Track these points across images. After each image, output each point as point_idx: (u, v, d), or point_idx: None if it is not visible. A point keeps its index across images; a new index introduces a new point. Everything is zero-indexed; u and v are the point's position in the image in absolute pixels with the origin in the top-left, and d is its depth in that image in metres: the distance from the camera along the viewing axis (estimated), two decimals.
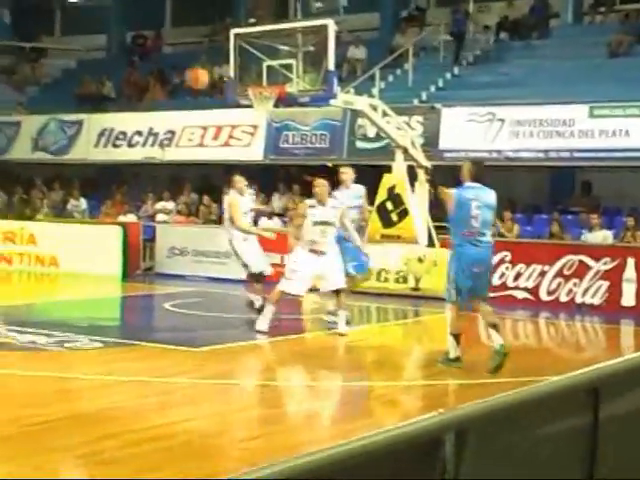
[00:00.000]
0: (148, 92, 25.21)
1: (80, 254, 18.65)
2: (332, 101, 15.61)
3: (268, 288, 12.71)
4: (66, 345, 10.47)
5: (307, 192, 19.73)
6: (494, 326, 9.45)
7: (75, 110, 24.17)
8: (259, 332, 11.69)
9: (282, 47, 15.70)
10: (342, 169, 13.68)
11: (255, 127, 20.38)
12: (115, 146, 22.61)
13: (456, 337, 9.61)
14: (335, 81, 15.34)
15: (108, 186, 22.82)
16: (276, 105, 15.80)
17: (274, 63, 15.31)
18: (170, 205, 21.17)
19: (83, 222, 20.71)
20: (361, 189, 13.44)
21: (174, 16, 29.20)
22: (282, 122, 20.08)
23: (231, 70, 15.93)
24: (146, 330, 12.85)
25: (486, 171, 10.16)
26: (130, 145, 22.32)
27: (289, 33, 15.70)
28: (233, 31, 16.00)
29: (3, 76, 28.43)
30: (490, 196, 9.68)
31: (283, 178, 20.51)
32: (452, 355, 9.59)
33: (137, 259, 19.40)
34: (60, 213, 22.25)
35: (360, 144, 19.30)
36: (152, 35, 28.29)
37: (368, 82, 20.23)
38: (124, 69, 26.30)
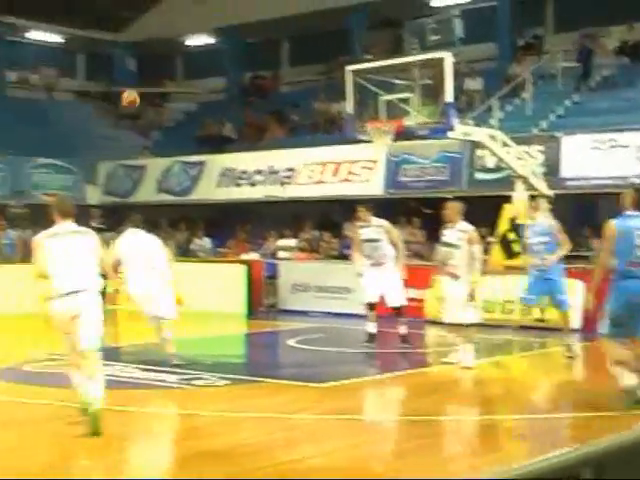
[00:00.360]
0: (267, 131, 25.61)
1: (205, 292, 18.98)
2: (450, 133, 15.57)
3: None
4: (193, 383, 10.63)
5: (427, 225, 19.72)
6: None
7: (197, 152, 24.73)
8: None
9: (398, 81, 15.75)
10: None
11: (374, 162, 20.46)
12: (237, 185, 23.00)
13: (622, 364, 8.96)
14: (453, 113, 15.30)
15: (231, 225, 23.20)
16: (394, 139, 15.83)
17: (391, 97, 15.36)
18: (292, 242, 21.38)
19: (208, 261, 21.09)
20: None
21: (291, 56, 29.63)
22: (401, 156, 20.10)
23: (349, 106, 16.05)
24: (271, 367, 12.96)
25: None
26: (251, 184, 22.67)
27: (405, 67, 15.73)
28: (349, 68, 16.13)
29: (129, 121, 29.32)
30: None
31: (403, 212, 20.45)
32: (625, 383, 8.98)
33: (260, 296, 19.63)
34: (184, 253, 22.70)
35: (480, 175, 19.16)
36: (269, 75, 28.76)
37: (486, 113, 20.11)
38: (243, 110, 26.79)
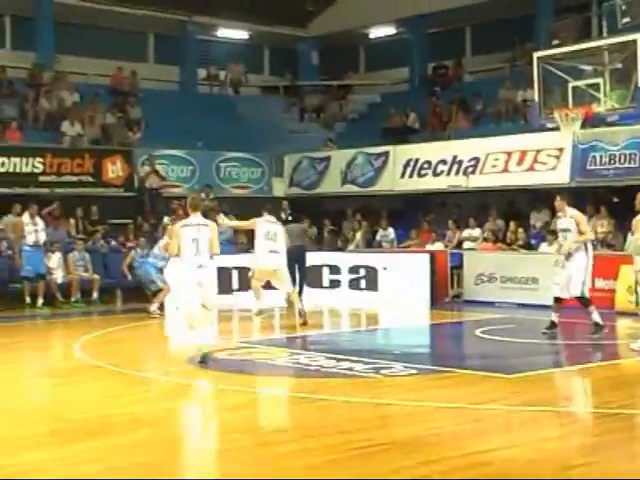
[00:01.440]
0: (451, 121, 25.46)
1: (390, 283, 19.11)
2: None
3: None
4: (382, 372, 10.72)
5: (616, 214, 19.14)
6: None
7: (381, 143, 24.85)
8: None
9: (587, 67, 15.39)
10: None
11: (561, 150, 19.99)
12: (420, 176, 22.99)
13: None
14: None
15: (415, 215, 23.22)
16: (582, 126, 15.48)
17: (579, 83, 15.05)
18: (476, 232, 21.20)
19: (393, 251, 21.20)
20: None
21: (474, 44, 29.31)
22: (589, 143, 19.55)
23: (535, 94, 15.81)
24: (458, 357, 12.94)
25: None
26: (435, 174, 22.60)
27: (594, 52, 15.35)
28: (536, 54, 15.89)
29: (313, 114, 29.76)
30: None
31: (591, 200, 19.93)
32: None
33: (445, 287, 19.58)
34: (369, 243, 22.89)
35: None
36: (453, 64, 28.55)
37: None
38: (427, 100, 26.72)
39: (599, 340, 13.01)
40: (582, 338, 13.38)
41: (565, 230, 13.44)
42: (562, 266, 13.42)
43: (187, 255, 11.33)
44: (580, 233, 13.35)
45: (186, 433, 8.56)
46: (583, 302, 13.37)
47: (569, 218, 13.42)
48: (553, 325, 13.62)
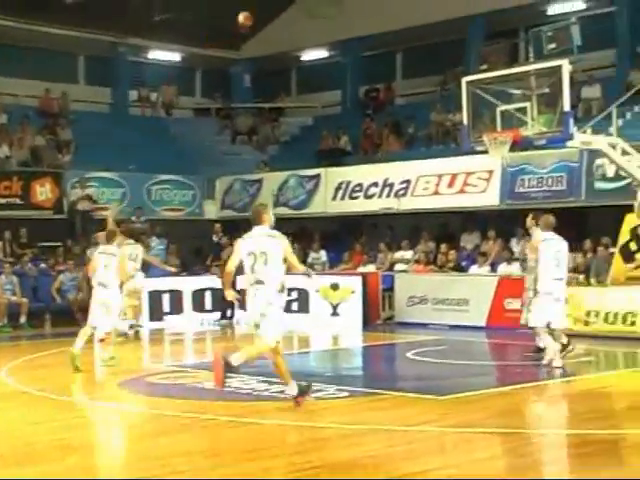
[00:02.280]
0: (383, 144, 25.63)
1: (323, 305, 19.12)
2: (569, 142, 15.34)
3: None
4: (313, 395, 10.63)
5: None
6: None
7: (313, 165, 24.90)
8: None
9: (515, 91, 15.59)
10: None
11: (490, 172, 20.27)
12: (352, 198, 23.07)
13: None
14: (571, 122, 15.06)
15: (347, 238, 23.28)
16: (511, 149, 15.67)
17: (508, 107, 15.22)
18: (408, 254, 21.33)
19: (324, 273, 21.17)
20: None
21: (405, 68, 29.57)
22: (518, 166, 19.87)
23: (465, 117, 15.96)
24: (390, 379, 12.93)
25: None
26: (367, 197, 22.71)
27: (522, 76, 15.57)
28: (465, 79, 16.04)
29: (246, 137, 29.72)
30: None
31: (521, 223, 20.17)
32: None
33: (377, 309, 19.64)
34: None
35: (599, 184, 18.78)
36: (384, 88, 28.77)
37: (605, 121, 19.64)
38: (359, 123, 26.87)
39: (534, 361, 13.03)
40: (513, 359, 13.47)
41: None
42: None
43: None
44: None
45: (117, 459, 8.40)
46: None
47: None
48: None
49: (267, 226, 10.21)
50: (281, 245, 10.03)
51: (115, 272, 13.09)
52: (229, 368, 9.68)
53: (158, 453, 8.26)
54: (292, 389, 10.00)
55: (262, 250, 9.87)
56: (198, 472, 7.55)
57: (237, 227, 24.04)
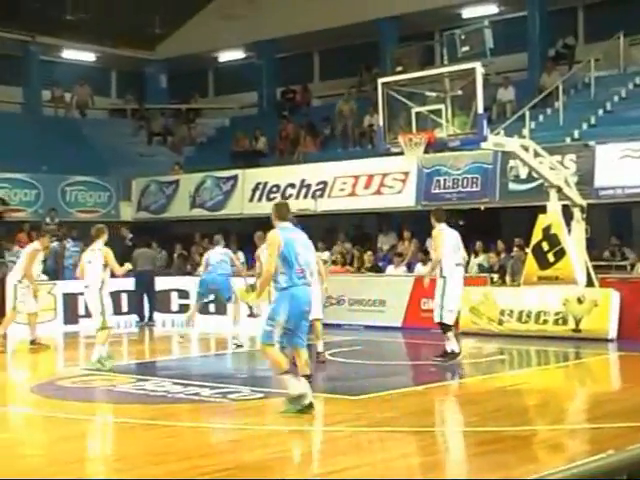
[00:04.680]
0: (299, 145, 25.67)
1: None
2: (483, 144, 15.54)
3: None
4: (229, 396, 10.64)
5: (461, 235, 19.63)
6: None
7: (230, 167, 24.82)
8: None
9: (430, 93, 15.74)
10: None
11: (406, 174, 20.44)
12: (269, 199, 22.98)
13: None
14: (485, 124, 15.27)
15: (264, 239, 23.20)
16: (426, 151, 15.82)
17: (422, 109, 15.36)
18: (325, 255, 21.35)
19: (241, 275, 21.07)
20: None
21: (322, 69, 29.70)
22: (433, 167, 20.08)
23: (380, 119, 16.06)
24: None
25: None
26: (284, 197, 22.66)
27: (436, 79, 15.72)
28: (380, 80, 16.14)
29: (161, 138, 29.49)
30: None
31: None
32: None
33: None
34: None
35: (512, 186, 19.08)
36: (301, 89, 28.82)
37: (518, 123, 20.02)
38: (276, 124, 26.87)
39: (444, 362, 13.16)
40: (427, 358, 13.58)
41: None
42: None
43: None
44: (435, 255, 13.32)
45: (24, 464, 8.23)
46: (442, 328, 13.16)
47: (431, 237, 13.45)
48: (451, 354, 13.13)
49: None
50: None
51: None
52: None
53: (67, 458, 8.13)
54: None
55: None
56: (102, 476, 7.44)
57: (153, 228, 23.96)
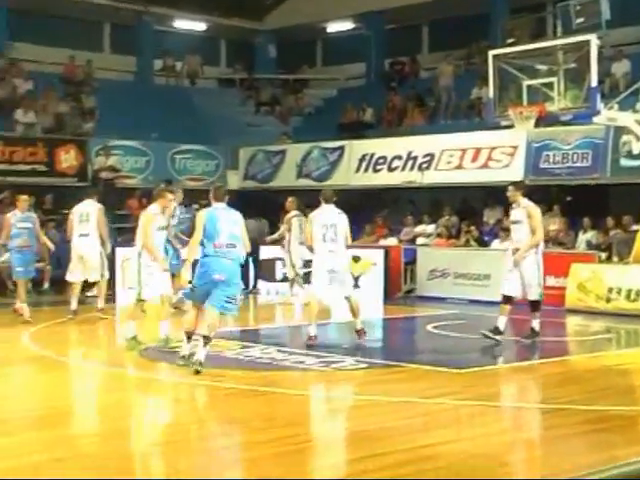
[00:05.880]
0: (406, 117, 25.53)
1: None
2: (595, 118, 15.22)
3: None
4: (333, 366, 10.75)
5: (568, 212, 19.33)
6: None
7: (336, 137, 24.83)
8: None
9: (541, 66, 15.47)
10: None
11: (515, 147, 20.14)
12: (375, 171, 23.01)
13: None
14: (598, 97, 14.94)
15: (369, 210, 23.23)
16: (536, 124, 15.57)
17: (534, 82, 15.11)
18: (430, 228, 21.30)
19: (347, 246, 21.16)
20: None
21: (431, 41, 29.41)
22: (542, 141, 19.72)
23: (490, 91, 15.87)
24: (409, 352, 12.99)
25: None
26: (390, 169, 22.64)
27: (549, 51, 15.43)
28: (491, 52, 15.93)
29: (269, 107, 29.67)
30: None
31: (544, 198, 20.07)
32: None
33: (398, 282, 19.65)
34: None
35: (624, 162, 18.63)
36: (409, 61, 28.60)
37: (632, 97, 19.48)
38: (383, 95, 26.77)
39: (553, 337, 12.95)
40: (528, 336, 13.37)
41: (516, 222, 12.84)
42: (513, 266, 12.77)
43: None
44: (532, 229, 12.65)
45: (132, 425, 8.48)
46: (535, 306, 12.83)
47: (522, 209, 12.79)
48: (497, 331, 12.67)
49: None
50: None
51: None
52: None
53: (170, 420, 8.35)
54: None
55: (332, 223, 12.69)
56: (205, 441, 7.67)
57: (259, 198, 24.18)
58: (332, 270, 12.58)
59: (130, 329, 11.90)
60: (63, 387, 10.01)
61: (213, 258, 10.31)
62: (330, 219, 12.86)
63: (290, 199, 18.31)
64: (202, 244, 10.37)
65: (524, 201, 12.85)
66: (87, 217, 15.71)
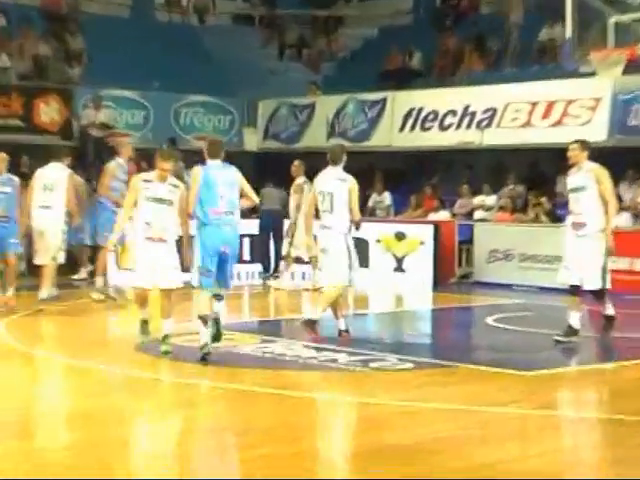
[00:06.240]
0: (463, 63, 25.44)
1: (385, 259, 19.17)
2: None
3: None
4: (371, 365, 10.79)
5: None
6: None
7: (377, 88, 24.80)
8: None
9: None
10: None
11: (597, 100, 20.01)
12: (424, 129, 22.97)
13: None
14: None
15: (416, 178, 23.22)
16: (625, 71, 15.50)
17: (623, 18, 15.01)
18: (490, 199, 21.25)
19: (388, 221, 21.22)
20: None
21: None
22: (632, 93, 19.57)
23: (567, 30, 15.81)
24: (464, 349, 13.01)
25: None
26: (442, 128, 22.60)
27: None
28: None
29: (294, 51, 29.61)
30: None
31: (632, 163, 20.00)
32: None
33: (452, 265, 19.65)
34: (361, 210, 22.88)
35: None
36: None
37: None
38: (434, 37, 26.67)
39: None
40: (617, 330, 13.35)
41: (578, 189, 12.47)
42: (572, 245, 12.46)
43: None
44: (602, 197, 12.35)
45: (131, 435, 8.57)
46: (599, 295, 12.56)
47: (585, 173, 12.44)
48: (571, 331, 12.43)
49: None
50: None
51: None
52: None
53: (185, 427, 8.44)
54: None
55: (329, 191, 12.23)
56: (221, 452, 7.73)
57: (282, 161, 24.19)
58: (324, 249, 12.46)
59: (143, 313, 12.03)
60: (49, 389, 10.11)
61: (214, 228, 10.80)
62: (327, 185, 12.47)
63: (296, 163, 18.36)
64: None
65: (589, 163, 12.60)
66: (52, 186, 15.60)
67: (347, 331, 12.54)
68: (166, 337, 11.37)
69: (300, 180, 18.01)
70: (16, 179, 15.49)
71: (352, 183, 12.41)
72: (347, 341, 12.26)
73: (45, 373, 11.25)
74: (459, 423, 8.58)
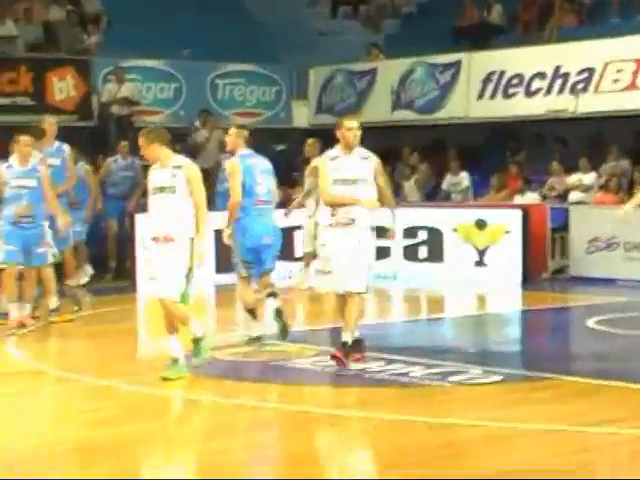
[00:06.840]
0: (553, 16, 25.28)
1: (463, 251, 19.09)
2: None
3: None
4: (451, 379, 10.77)
5: None
6: None
7: (450, 49, 24.71)
8: None
9: None
10: None
11: None
12: (507, 96, 22.89)
13: None
14: None
15: (498, 154, 23.12)
16: None
17: None
18: (589, 178, 21.09)
19: (467, 206, 21.13)
20: None
21: None
22: None
23: None
24: (561, 358, 12.88)
25: None
26: (528, 94, 22.50)
27: None
28: None
29: (349, 8, 29.58)
30: None
31: None
32: None
33: (543, 257, 19.54)
34: (431, 195, 22.85)
35: None
36: None
37: None
38: None
39: None
40: None
41: None
42: None
43: None
44: None
45: (167, 467, 8.54)
46: None
47: None
48: None
49: None
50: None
51: None
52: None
53: (221, 459, 8.40)
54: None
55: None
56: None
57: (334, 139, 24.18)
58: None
59: (196, 327, 11.23)
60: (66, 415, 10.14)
61: (256, 218, 12.33)
62: (349, 170, 11.81)
63: (310, 141, 18.21)
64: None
65: None
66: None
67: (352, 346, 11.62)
68: (175, 361, 11.03)
69: (316, 161, 17.76)
70: (42, 169, 14.98)
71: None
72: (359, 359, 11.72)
73: (70, 394, 11.25)
74: (558, 449, 8.47)
